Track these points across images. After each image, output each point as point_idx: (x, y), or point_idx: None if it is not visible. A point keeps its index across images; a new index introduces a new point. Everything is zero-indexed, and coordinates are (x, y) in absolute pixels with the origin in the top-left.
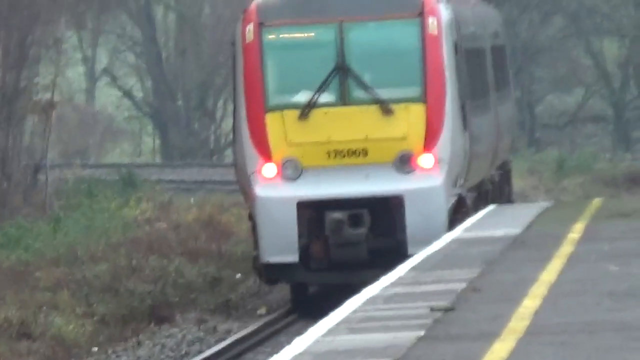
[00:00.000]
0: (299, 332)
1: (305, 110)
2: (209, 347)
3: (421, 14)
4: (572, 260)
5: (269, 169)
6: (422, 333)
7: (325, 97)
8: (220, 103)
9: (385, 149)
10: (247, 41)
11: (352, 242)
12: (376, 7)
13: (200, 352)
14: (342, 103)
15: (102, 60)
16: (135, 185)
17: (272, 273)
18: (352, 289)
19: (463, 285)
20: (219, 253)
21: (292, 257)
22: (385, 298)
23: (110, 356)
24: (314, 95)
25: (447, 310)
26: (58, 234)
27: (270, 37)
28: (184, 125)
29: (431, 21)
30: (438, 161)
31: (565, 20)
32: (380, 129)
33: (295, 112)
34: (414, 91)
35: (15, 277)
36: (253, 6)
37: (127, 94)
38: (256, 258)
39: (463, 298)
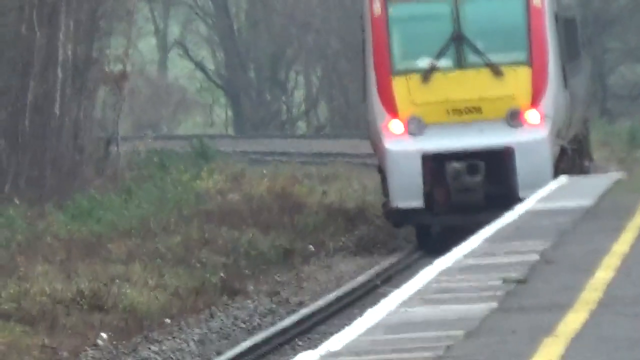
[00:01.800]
0: (373, 304)
1: (427, 73)
2: (282, 319)
3: None
4: None
5: (397, 126)
6: (494, 305)
7: (444, 62)
8: (291, 74)
9: (497, 106)
10: (375, 15)
11: (469, 189)
12: None
13: (272, 324)
14: (458, 67)
15: (174, 31)
16: (208, 157)
17: (400, 217)
18: (469, 230)
19: (535, 256)
20: (291, 225)
21: (418, 203)
22: (459, 269)
23: (183, 328)
24: (434, 61)
25: (519, 282)
26: (130, 205)
27: (395, 11)
28: (255, 96)
29: None
30: (543, 116)
31: None
32: (492, 89)
33: (418, 76)
34: (520, 55)
35: (88, 249)
36: None
37: (199, 65)
38: (386, 204)
39: (535, 269)
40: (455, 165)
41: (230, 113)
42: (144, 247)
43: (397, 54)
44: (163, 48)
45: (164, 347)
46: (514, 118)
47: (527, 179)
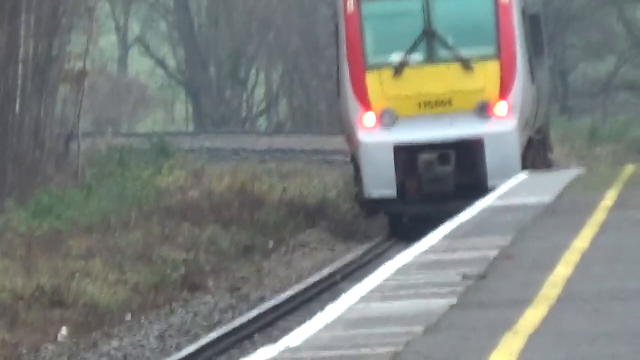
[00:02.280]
0: (333, 300)
1: (399, 68)
2: (242, 314)
3: None
4: (605, 228)
5: (369, 118)
6: (454, 300)
7: (415, 57)
8: (252, 71)
9: (467, 99)
10: (348, 12)
11: (441, 178)
12: None
13: (232, 319)
14: (429, 61)
15: (135, 28)
16: (168, 154)
17: (373, 206)
18: (441, 218)
19: (495, 252)
20: (252, 221)
21: (391, 192)
22: (418, 265)
23: (143, 323)
24: (405, 56)
25: (479, 277)
26: (90, 202)
27: (368, 8)
28: (216, 93)
29: None
30: (511, 108)
31: None
32: (462, 82)
33: (391, 70)
34: (489, 50)
35: (48, 245)
36: None
37: (160, 62)
38: (358, 193)
39: (495, 265)
40: (427, 155)
41: (190, 110)
42: (105, 243)
43: (370, 49)
44: (124, 45)
45: (124, 343)
46: (483, 110)
47: (496, 169)
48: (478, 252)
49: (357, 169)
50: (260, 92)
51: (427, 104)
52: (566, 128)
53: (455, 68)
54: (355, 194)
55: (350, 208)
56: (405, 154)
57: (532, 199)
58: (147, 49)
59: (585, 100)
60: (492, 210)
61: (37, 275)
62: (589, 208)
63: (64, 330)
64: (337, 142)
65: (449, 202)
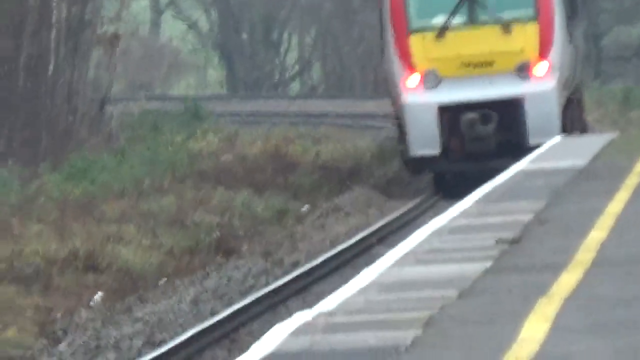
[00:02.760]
0: (367, 264)
1: (441, 31)
2: (276, 279)
3: None
4: (639, 192)
5: (413, 80)
6: (488, 265)
7: (457, 20)
8: (285, 35)
9: (507, 60)
10: None
11: (483, 137)
12: None
13: (266, 284)
14: (470, 24)
15: None
16: (201, 118)
17: (418, 164)
18: (483, 176)
19: (529, 217)
20: (285, 185)
21: (435, 151)
22: (451, 230)
23: (178, 288)
24: (447, 19)
25: (513, 242)
26: (124, 166)
27: None
28: (249, 57)
29: None
30: (550, 68)
31: None
32: (502, 43)
33: (433, 33)
34: (528, 12)
35: (82, 210)
36: None
37: (193, 26)
38: (403, 152)
39: (529, 230)
40: (469, 115)
41: (223, 74)
42: (138, 207)
43: (413, 13)
44: (156, 9)
45: (158, 307)
46: (523, 70)
47: (537, 127)
48: (512, 216)
49: (401, 128)
50: (293, 56)
51: (468, 65)
52: (599, 93)
53: (496, 30)
54: (400, 152)
55: (383, 174)
56: (449, 114)
57: (565, 163)
58: (179, 13)
59: (618, 65)
60: (525, 174)
61: (71, 239)
62: (623, 172)
63: (98, 295)
64: (370, 106)
65: (491, 161)
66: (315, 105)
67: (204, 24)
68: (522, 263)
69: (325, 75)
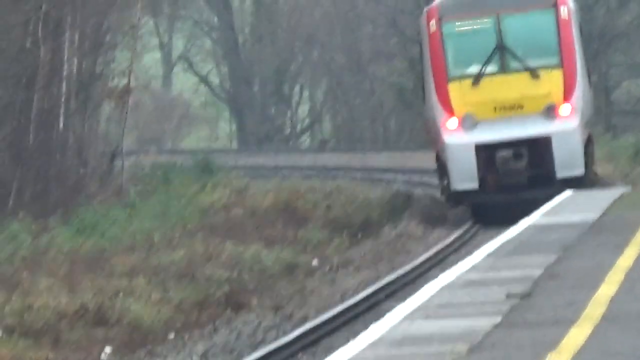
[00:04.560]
0: (377, 319)
1: (477, 78)
2: (286, 333)
3: (555, 5)
4: None
5: (453, 122)
6: (498, 319)
7: (490, 68)
8: (296, 89)
9: (535, 103)
10: (431, 31)
11: (515, 172)
12: (523, 2)
13: (276, 338)
14: (502, 72)
15: (179, 46)
16: (212, 171)
17: (458, 197)
18: (516, 205)
19: (540, 271)
20: (295, 239)
21: (474, 185)
22: (462, 284)
23: (187, 343)
24: (482, 68)
25: (523, 296)
26: (134, 220)
27: (448, 27)
28: (260, 111)
29: (562, 9)
30: (574, 109)
31: None
32: (531, 88)
33: (470, 80)
34: (553, 60)
35: (91, 263)
36: (434, 6)
37: (204, 79)
38: (444, 187)
39: (539, 284)
40: (503, 153)
41: (234, 127)
42: (148, 261)
43: (451, 63)
44: (167, 62)
45: None
46: (550, 112)
47: (563, 162)
48: (522, 270)
49: (441, 166)
50: (304, 109)
51: (501, 108)
52: (610, 146)
53: (525, 76)
54: (441, 188)
55: (394, 227)
56: (485, 152)
57: (576, 217)
58: (191, 66)
59: (629, 118)
60: (536, 228)
61: (81, 293)
62: (634, 226)
63: (107, 350)
64: (381, 159)
65: (524, 192)
66: (326, 159)
67: (214, 77)
68: (532, 318)
69: (336, 128)
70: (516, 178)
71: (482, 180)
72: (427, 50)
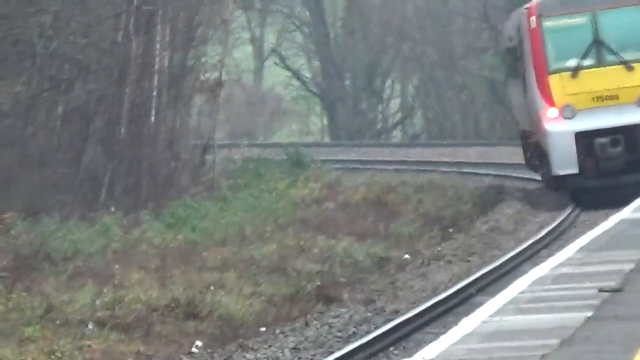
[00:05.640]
0: (468, 313)
1: (575, 71)
2: (377, 327)
3: None
4: None
5: (553, 112)
6: (590, 314)
7: (588, 61)
8: (387, 83)
9: (630, 93)
10: (532, 27)
11: (613, 157)
12: None
13: (367, 332)
14: (599, 65)
15: (270, 40)
16: (303, 165)
17: (559, 182)
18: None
19: (631, 265)
20: (387, 233)
21: (574, 170)
22: (553, 278)
23: (278, 336)
24: (580, 61)
25: (615, 291)
26: (225, 213)
27: (548, 23)
28: (351, 105)
29: None
30: None
31: None
32: (626, 80)
33: (569, 73)
34: None
35: (183, 257)
36: (533, 4)
37: (295, 74)
38: (544, 173)
39: (631, 279)
40: (601, 140)
41: (326, 121)
42: (239, 255)
43: (551, 57)
44: (259, 56)
45: (259, 355)
46: None
47: None
48: (614, 265)
49: (541, 153)
50: (395, 103)
51: (598, 98)
52: None
53: (620, 69)
54: (541, 174)
55: (485, 221)
56: (584, 139)
57: None
58: (282, 60)
59: None
60: (628, 222)
61: (172, 287)
62: None
63: (199, 343)
64: (472, 153)
65: (621, 176)
66: (418, 153)
67: (306, 71)
68: (623, 312)
69: (427, 122)
70: (614, 163)
71: (581, 166)
72: (528, 45)
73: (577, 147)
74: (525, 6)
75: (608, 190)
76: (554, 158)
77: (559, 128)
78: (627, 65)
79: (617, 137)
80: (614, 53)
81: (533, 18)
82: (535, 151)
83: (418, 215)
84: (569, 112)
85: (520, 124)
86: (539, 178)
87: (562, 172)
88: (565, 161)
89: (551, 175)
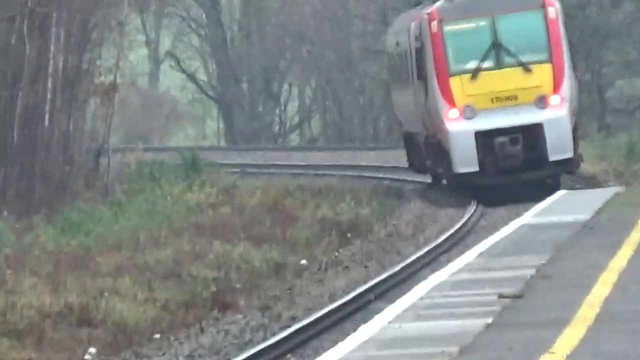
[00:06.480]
0: (366, 319)
1: (475, 73)
2: (273, 334)
3: (543, 6)
4: None
5: (454, 112)
6: (490, 320)
7: (487, 64)
8: (285, 86)
9: (528, 94)
10: (433, 32)
11: (512, 156)
12: (514, 4)
13: (264, 339)
14: (498, 67)
15: (166, 42)
16: (199, 169)
17: (460, 180)
18: (511, 188)
19: (532, 271)
20: (284, 238)
21: (474, 168)
22: (453, 284)
23: (173, 343)
24: (479, 63)
25: (515, 297)
26: (120, 218)
27: (449, 28)
28: (248, 108)
29: (550, 10)
30: (563, 99)
31: (635, 4)
32: (524, 81)
33: (469, 75)
34: (543, 56)
35: (76, 262)
36: (434, 8)
37: (191, 77)
38: (445, 171)
39: (532, 285)
40: (501, 139)
41: (222, 125)
42: (134, 260)
43: (452, 60)
44: (155, 59)
45: None
46: (541, 102)
47: (555, 146)
48: (514, 271)
49: (442, 152)
50: (293, 107)
51: (498, 99)
52: (603, 145)
53: (518, 71)
54: (442, 172)
55: (384, 226)
56: (484, 139)
57: (569, 217)
58: (178, 63)
59: (622, 117)
60: (528, 228)
61: (65, 293)
62: (627, 226)
63: (92, 350)
64: (370, 157)
65: (519, 174)
66: (315, 157)
67: (202, 74)
68: (524, 319)
69: (325, 126)
70: (512, 161)
71: (481, 164)
72: (429, 49)
73: (477, 146)
74: (427, 10)
75: (507, 188)
76: (455, 156)
77: (460, 128)
78: (525, 66)
79: (516, 137)
80: (512, 55)
81: (434, 23)
82: (436, 150)
83: (315, 220)
84: (469, 113)
85: (403, 125)
86: (429, 180)
87: (463, 170)
88: (465, 159)
89: (452, 173)
